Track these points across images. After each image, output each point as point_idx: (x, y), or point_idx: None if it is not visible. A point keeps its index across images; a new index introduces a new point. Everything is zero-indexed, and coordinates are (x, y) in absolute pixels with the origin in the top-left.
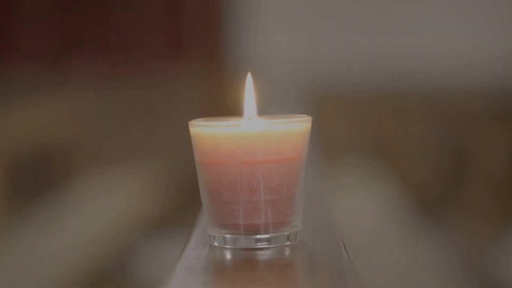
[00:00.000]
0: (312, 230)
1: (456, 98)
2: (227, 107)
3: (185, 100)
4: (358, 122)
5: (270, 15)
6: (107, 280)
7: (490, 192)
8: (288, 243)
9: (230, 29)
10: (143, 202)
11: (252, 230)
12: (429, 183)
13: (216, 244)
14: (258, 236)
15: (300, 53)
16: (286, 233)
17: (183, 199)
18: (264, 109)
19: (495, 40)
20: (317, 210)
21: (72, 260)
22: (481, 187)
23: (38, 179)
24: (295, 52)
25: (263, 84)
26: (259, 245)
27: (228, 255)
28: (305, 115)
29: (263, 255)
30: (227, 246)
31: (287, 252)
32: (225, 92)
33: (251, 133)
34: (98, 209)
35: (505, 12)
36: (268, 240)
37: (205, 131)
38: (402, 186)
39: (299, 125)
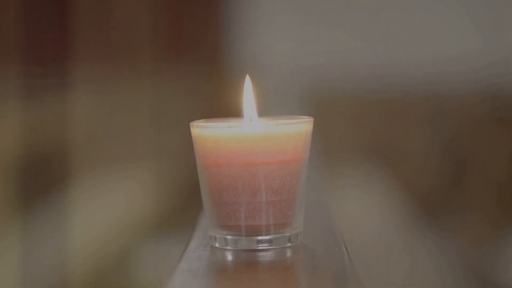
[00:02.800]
0: (314, 231)
1: (456, 102)
2: (227, 109)
3: (185, 102)
4: (358, 124)
5: (269, 18)
6: (108, 282)
7: (490, 195)
8: (289, 244)
9: (229, 31)
10: (143, 204)
11: (253, 231)
12: (430, 185)
13: (217, 245)
14: (259, 238)
15: (300, 56)
16: (287, 234)
17: (183, 200)
18: (263, 112)
19: (495, 43)
20: (318, 212)
21: (72, 262)
22: (481, 190)
23: (38, 181)
24: (294, 55)
25: (262, 86)
26: (260, 246)
27: (230, 257)
28: (307, 116)
29: (264, 257)
30: (228, 248)
31: (288, 253)
32: (225, 94)
33: (253, 134)
34: (98, 211)
35: (505, 15)
36: (269, 241)
37: (206, 132)
38: (402, 188)
39: (300, 126)
